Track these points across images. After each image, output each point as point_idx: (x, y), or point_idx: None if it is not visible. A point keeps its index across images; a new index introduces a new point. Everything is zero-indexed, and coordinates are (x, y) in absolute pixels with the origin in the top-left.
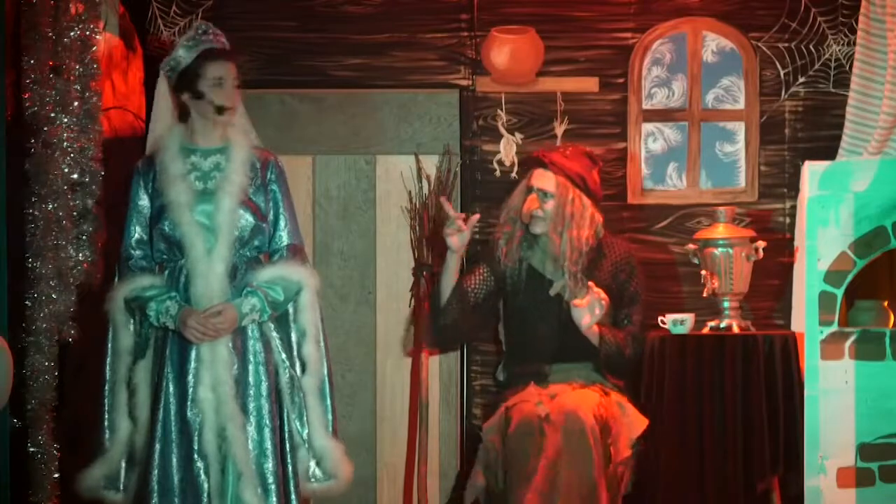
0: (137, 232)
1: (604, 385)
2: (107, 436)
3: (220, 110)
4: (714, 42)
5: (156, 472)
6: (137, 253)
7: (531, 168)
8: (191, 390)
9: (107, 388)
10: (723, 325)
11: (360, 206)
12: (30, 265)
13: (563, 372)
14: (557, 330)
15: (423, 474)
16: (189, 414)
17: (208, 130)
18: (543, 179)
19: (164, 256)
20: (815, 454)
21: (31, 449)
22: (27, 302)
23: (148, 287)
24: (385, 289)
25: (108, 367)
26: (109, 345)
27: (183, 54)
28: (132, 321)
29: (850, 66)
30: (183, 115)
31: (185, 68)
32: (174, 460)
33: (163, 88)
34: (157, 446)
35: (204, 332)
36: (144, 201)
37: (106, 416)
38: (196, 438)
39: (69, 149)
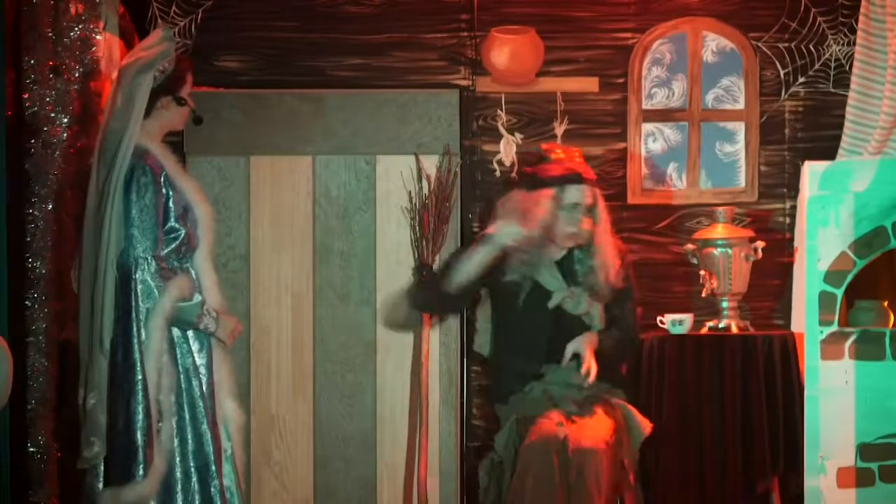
0: (156, 231)
1: (608, 396)
2: (141, 466)
3: (199, 121)
4: (714, 42)
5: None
6: (161, 255)
7: (565, 183)
8: (216, 382)
9: (143, 397)
10: (721, 325)
11: (360, 206)
12: (30, 265)
13: (563, 378)
14: (554, 333)
15: (423, 474)
16: (218, 408)
17: (160, 133)
18: (585, 195)
19: (173, 258)
20: (815, 454)
21: (31, 449)
22: (27, 302)
23: (193, 290)
24: (385, 289)
25: (140, 374)
26: (138, 351)
27: (173, 56)
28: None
29: (850, 66)
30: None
31: (172, 73)
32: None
33: (144, 86)
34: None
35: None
36: (159, 197)
37: (140, 450)
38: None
39: (69, 149)
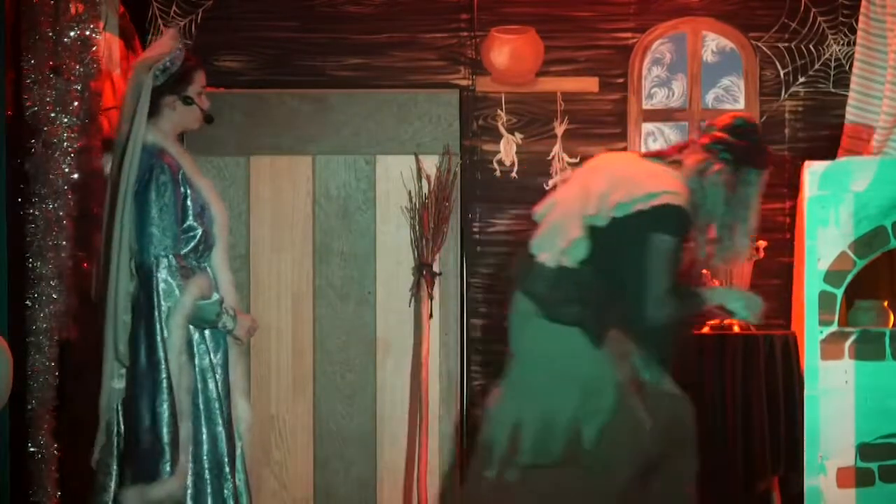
0: (175, 229)
1: None
2: (168, 464)
3: (210, 119)
4: (714, 42)
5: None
6: (181, 254)
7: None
8: (231, 382)
9: (167, 395)
10: (723, 324)
11: (360, 206)
12: (30, 265)
13: None
14: None
15: (423, 474)
16: (232, 408)
17: (173, 133)
18: None
19: (191, 257)
20: (815, 454)
21: (31, 449)
22: (27, 302)
23: (212, 288)
24: (385, 289)
25: (165, 373)
26: (161, 350)
27: (178, 55)
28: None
29: (850, 66)
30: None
31: (177, 72)
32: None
33: (144, 86)
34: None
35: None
36: (177, 196)
37: (167, 448)
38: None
39: (69, 149)
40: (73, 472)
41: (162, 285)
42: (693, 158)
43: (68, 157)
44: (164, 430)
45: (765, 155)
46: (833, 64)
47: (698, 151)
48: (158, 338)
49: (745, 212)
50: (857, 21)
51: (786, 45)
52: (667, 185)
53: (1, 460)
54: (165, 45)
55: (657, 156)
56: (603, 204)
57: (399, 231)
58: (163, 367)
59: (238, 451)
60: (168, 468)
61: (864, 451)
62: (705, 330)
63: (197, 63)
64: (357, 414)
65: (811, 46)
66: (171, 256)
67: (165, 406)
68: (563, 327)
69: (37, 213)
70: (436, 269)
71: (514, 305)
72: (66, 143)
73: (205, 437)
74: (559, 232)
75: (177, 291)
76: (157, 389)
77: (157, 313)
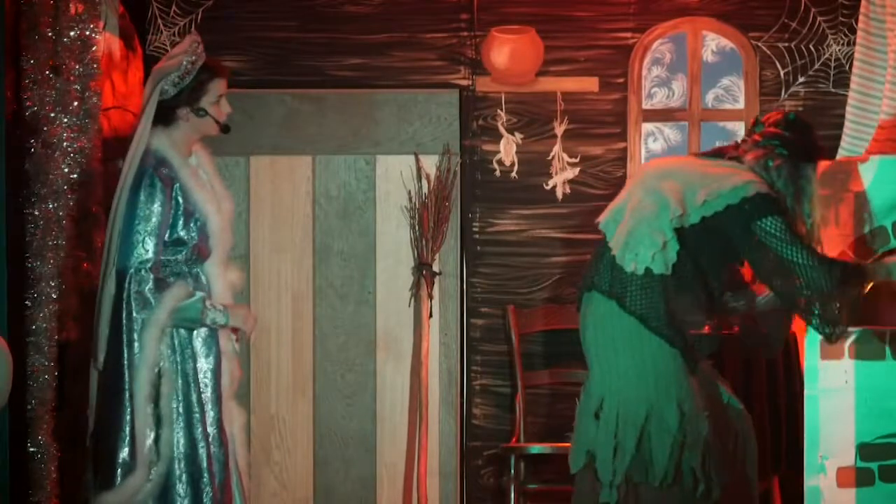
0: (155, 241)
1: None
2: (132, 455)
3: (227, 129)
4: (714, 42)
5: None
6: (160, 261)
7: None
8: (223, 386)
9: (128, 405)
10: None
11: (360, 206)
12: (30, 265)
13: None
14: None
15: (423, 474)
16: (223, 407)
17: (187, 142)
18: None
19: (181, 264)
20: (815, 454)
21: (31, 449)
22: (27, 302)
23: (191, 293)
24: (385, 289)
25: (127, 383)
26: (127, 360)
27: (188, 69)
28: (168, 333)
29: (850, 66)
30: (159, 123)
31: (190, 84)
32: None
33: (154, 95)
34: (201, 447)
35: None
36: (166, 208)
37: (135, 437)
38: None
39: (69, 149)
40: (72, 472)
41: (134, 296)
42: (753, 154)
43: (68, 157)
44: (121, 442)
45: (819, 148)
46: (833, 64)
47: (755, 148)
48: (124, 348)
49: (808, 206)
50: (857, 21)
51: (786, 45)
52: (748, 177)
53: (1, 460)
54: (178, 58)
55: (714, 155)
56: (690, 204)
57: (399, 231)
58: (125, 377)
59: (230, 454)
60: (118, 478)
61: (864, 451)
62: (705, 330)
63: (215, 72)
64: (357, 414)
65: (811, 46)
66: (145, 270)
67: (125, 417)
68: (665, 345)
69: (37, 213)
70: (436, 268)
71: (605, 318)
72: (66, 143)
73: (183, 441)
74: (643, 239)
75: (152, 302)
76: (117, 400)
77: (126, 322)
